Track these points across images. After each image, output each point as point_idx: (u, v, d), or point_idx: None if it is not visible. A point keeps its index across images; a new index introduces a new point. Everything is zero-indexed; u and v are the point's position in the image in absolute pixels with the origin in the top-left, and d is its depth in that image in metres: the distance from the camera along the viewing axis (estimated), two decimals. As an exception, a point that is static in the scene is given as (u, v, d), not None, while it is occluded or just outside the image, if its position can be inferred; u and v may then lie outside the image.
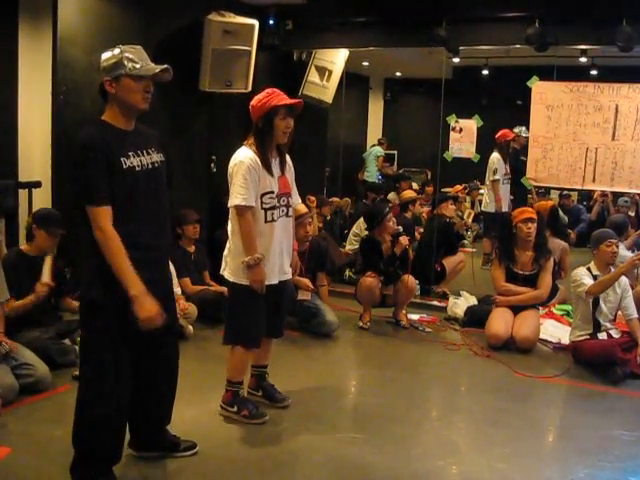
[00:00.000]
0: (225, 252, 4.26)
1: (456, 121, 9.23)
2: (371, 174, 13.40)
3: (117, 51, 3.27)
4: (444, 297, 7.44)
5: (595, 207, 11.96)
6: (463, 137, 9.41)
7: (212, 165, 7.52)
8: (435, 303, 7.38)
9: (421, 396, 4.99)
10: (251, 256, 4.01)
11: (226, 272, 4.23)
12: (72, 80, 5.69)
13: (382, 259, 6.48)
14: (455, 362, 5.78)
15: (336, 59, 8.83)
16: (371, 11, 7.76)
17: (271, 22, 7.70)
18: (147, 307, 3.13)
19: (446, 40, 7.40)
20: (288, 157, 4.31)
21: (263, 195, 4.08)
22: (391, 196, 10.56)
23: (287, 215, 4.26)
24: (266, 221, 4.11)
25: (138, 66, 3.24)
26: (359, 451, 3.98)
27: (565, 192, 12.15)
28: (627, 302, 5.64)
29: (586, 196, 12.77)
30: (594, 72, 11.00)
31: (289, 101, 4.12)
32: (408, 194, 9.16)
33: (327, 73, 8.80)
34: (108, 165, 3.16)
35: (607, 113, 6.85)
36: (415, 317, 6.83)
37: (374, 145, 14.28)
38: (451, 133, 9.35)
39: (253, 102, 4.16)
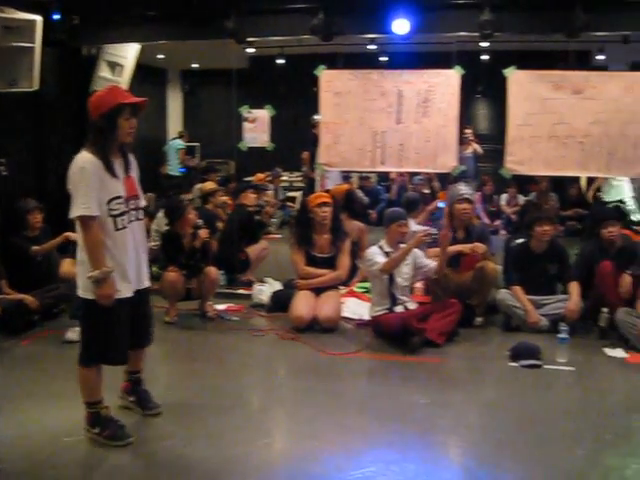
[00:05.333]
0: (76, 267, 3.92)
1: (248, 111, 9.37)
2: (173, 167, 13.34)
3: None
4: (250, 285, 7.52)
5: (394, 187, 12.55)
6: (256, 127, 9.57)
7: (2, 168, 7.19)
8: (241, 292, 7.46)
9: (229, 384, 5.03)
10: (99, 270, 3.71)
11: (80, 289, 3.89)
12: None
13: (183, 253, 6.49)
14: (262, 347, 5.90)
15: (127, 53, 8.69)
16: (160, 4, 7.72)
17: (56, 17, 7.44)
18: None
19: (235, 32, 7.49)
20: (132, 156, 4.02)
21: (110, 201, 3.77)
22: (197, 187, 10.53)
23: (138, 219, 3.98)
24: (117, 229, 3.81)
25: None
26: (170, 445, 3.99)
27: (364, 174, 12.67)
28: (421, 260, 6.02)
29: (385, 177, 13.38)
30: (384, 58, 11.56)
31: (135, 99, 3.86)
32: (209, 186, 9.17)
33: (118, 68, 8.65)
34: None
35: (391, 98, 7.20)
36: (222, 307, 6.88)
37: (175, 138, 14.20)
38: (244, 123, 9.49)
39: (93, 99, 3.84)
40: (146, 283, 4.14)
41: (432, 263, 6.01)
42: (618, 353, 5.56)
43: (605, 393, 4.88)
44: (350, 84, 7.27)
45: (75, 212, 3.73)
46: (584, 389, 4.97)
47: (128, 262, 3.91)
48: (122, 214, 3.85)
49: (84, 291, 3.86)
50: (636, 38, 9.03)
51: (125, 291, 3.91)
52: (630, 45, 9.51)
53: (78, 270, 3.90)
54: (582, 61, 9.97)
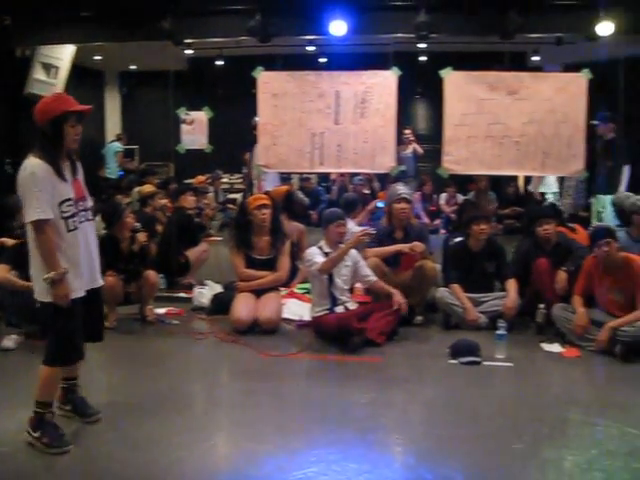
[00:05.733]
0: (31, 272, 3.97)
1: (186, 113, 9.30)
2: (112, 170, 13.16)
3: None
4: (190, 288, 7.45)
5: (334, 187, 12.60)
6: (195, 129, 9.51)
7: None
8: (182, 295, 7.39)
9: (170, 388, 4.96)
10: (55, 272, 3.77)
11: (37, 294, 3.93)
12: None
13: (121, 257, 6.40)
14: (202, 351, 5.85)
15: (62, 54, 8.57)
16: (95, 5, 7.61)
17: (-13, 18, 7.30)
18: None
19: (171, 33, 7.43)
20: (77, 160, 4.08)
21: (61, 204, 3.84)
22: (136, 190, 10.41)
23: (88, 219, 4.05)
24: (69, 230, 3.88)
25: None
26: (111, 450, 3.92)
27: (305, 175, 12.70)
28: (362, 269, 6.05)
29: (325, 178, 13.43)
30: (323, 59, 11.63)
31: (80, 107, 3.92)
32: (147, 189, 9.06)
33: (53, 69, 8.52)
34: None
35: (329, 99, 7.23)
36: (162, 311, 6.81)
37: (113, 141, 14.01)
38: (182, 125, 9.42)
39: (39, 106, 3.88)
40: (100, 282, 4.22)
41: (373, 277, 6.06)
42: (555, 348, 5.68)
43: (542, 387, 4.96)
44: (288, 85, 7.27)
45: (30, 217, 3.78)
46: (522, 384, 5.04)
47: (81, 261, 3.97)
48: (73, 215, 3.92)
49: (41, 295, 3.91)
50: (569, 40, 9.25)
51: (79, 291, 3.97)
52: (564, 46, 9.74)
53: (34, 275, 3.94)
54: (517, 62, 10.15)
